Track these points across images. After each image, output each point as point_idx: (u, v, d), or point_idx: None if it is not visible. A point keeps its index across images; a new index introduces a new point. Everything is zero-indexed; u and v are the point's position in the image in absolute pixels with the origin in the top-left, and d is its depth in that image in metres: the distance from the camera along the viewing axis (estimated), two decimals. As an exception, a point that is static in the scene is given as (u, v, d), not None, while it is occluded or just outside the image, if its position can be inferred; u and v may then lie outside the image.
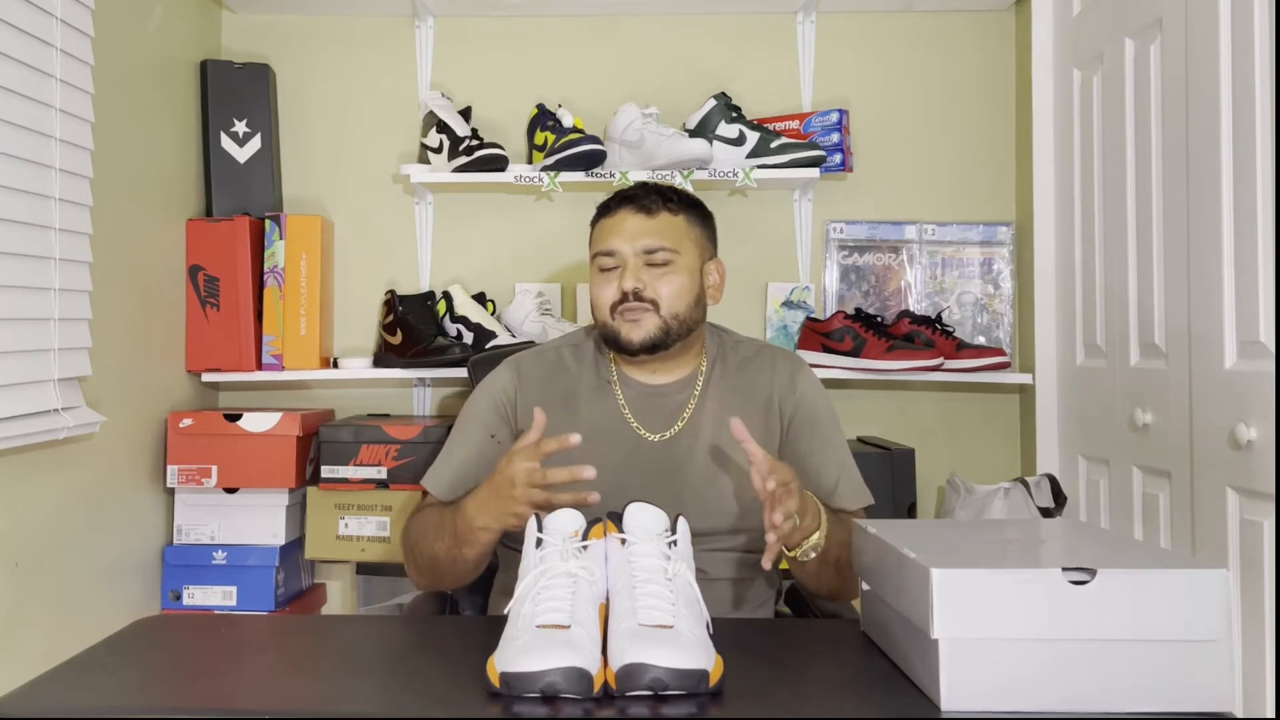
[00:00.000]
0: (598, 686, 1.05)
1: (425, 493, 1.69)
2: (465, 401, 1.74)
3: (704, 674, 1.04)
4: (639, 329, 1.60)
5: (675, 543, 1.19)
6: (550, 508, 1.32)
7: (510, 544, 1.66)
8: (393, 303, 2.44)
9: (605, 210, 1.68)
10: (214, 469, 2.27)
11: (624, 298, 1.60)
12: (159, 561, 2.30)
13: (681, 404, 1.66)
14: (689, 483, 1.61)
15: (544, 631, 1.08)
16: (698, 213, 1.69)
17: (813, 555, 1.39)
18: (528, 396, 1.67)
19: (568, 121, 2.43)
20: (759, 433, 1.65)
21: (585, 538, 1.19)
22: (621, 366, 1.69)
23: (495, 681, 1.06)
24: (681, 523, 1.22)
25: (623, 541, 1.18)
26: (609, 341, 1.65)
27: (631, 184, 1.73)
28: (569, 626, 1.08)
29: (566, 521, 1.20)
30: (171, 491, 2.32)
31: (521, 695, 1.04)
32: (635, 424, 1.65)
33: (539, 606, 1.11)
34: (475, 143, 2.41)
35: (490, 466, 1.62)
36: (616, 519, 1.21)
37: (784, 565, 1.50)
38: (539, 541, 1.19)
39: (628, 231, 1.62)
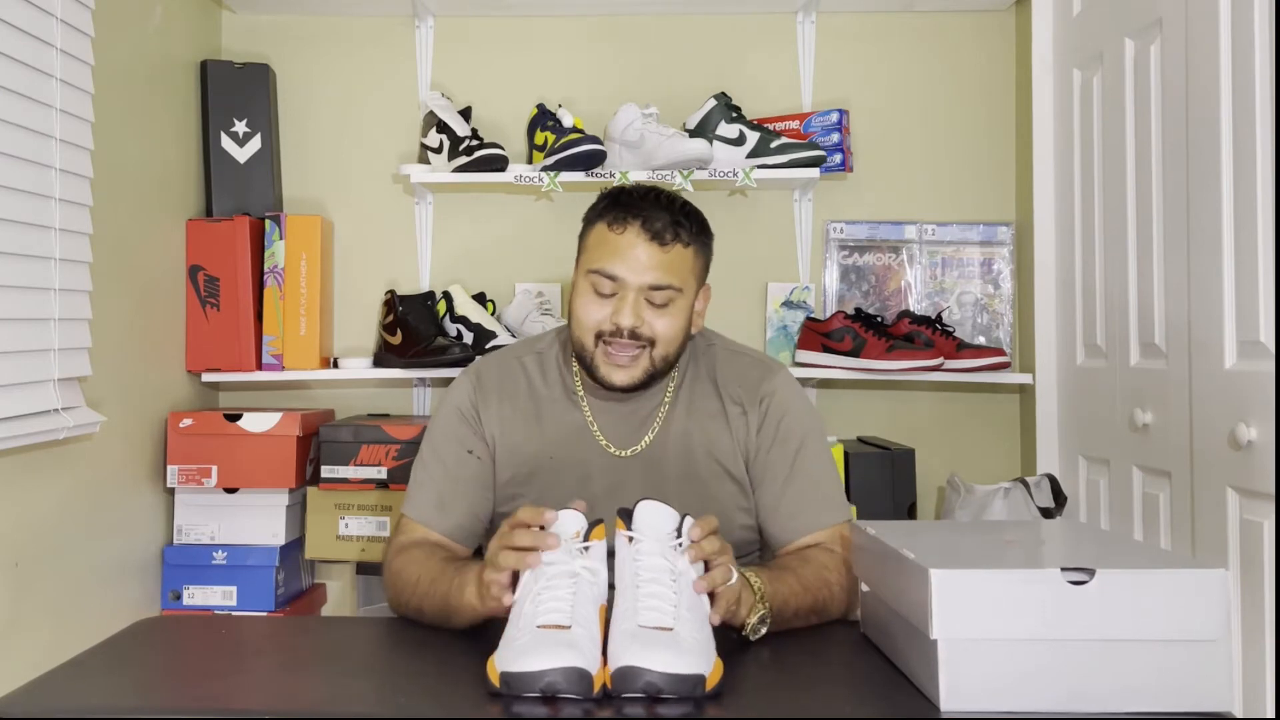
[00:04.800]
0: (598, 687, 1.05)
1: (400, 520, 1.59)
2: (429, 422, 1.65)
3: (700, 679, 1.04)
4: (624, 373, 1.51)
5: (682, 544, 1.18)
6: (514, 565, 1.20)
7: None
8: (393, 303, 2.44)
9: (612, 220, 1.51)
10: (214, 469, 2.27)
11: (616, 330, 1.49)
12: (159, 562, 2.30)
13: (651, 413, 1.59)
14: (662, 497, 1.54)
15: (544, 632, 1.08)
16: (703, 240, 1.56)
17: (764, 630, 1.27)
18: (489, 410, 1.60)
19: (568, 121, 2.43)
20: (723, 440, 1.59)
21: (587, 538, 1.19)
22: (586, 377, 1.59)
23: (495, 681, 1.06)
24: (688, 523, 1.21)
25: (630, 539, 1.18)
26: (583, 364, 1.55)
27: (634, 185, 1.58)
28: (569, 627, 1.08)
29: (569, 523, 1.20)
30: (171, 491, 2.32)
31: (521, 695, 1.04)
32: (603, 440, 1.58)
33: (540, 607, 1.11)
34: (475, 143, 2.41)
35: (472, 483, 1.57)
36: (626, 515, 1.20)
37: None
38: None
39: (637, 262, 1.48)
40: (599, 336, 1.51)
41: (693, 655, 1.05)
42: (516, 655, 1.05)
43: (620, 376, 1.52)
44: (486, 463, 1.60)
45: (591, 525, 1.20)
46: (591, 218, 1.57)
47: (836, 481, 1.60)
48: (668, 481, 1.57)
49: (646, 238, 1.49)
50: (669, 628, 1.08)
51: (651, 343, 1.51)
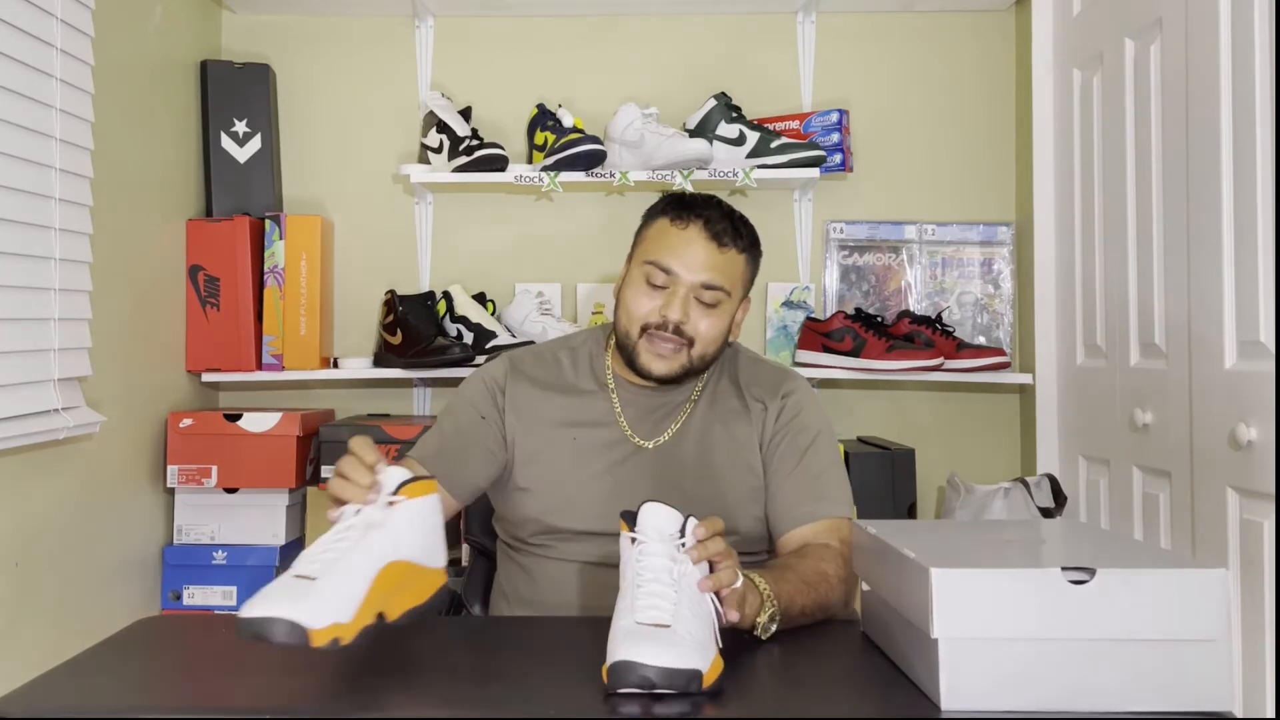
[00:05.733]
0: (322, 641, 1.03)
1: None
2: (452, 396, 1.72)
3: (695, 674, 1.04)
4: (664, 364, 1.57)
5: (685, 544, 1.18)
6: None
7: (510, 543, 1.66)
8: (393, 303, 2.44)
9: (675, 216, 1.58)
10: (214, 469, 2.27)
11: (663, 323, 1.55)
12: (159, 561, 2.30)
13: (676, 407, 1.64)
14: (679, 489, 1.58)
15: (290, 580, 1.07)
16: (755, 252, 1.63)
17: (774, 629, 1.28)
18: (518, 387, 1.65)
19: (568, 121, 2.43)
20: (743, 435, 1.62)
21: (397, 493, 1.16)
22: (619, 369, 1.66)
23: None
24: (692, 524, 1.21)
25: (633, 540, 1.18)
26: (624, 353, 1.61)
27: (698, 193, 1.63)
28: (315, 579, 1.07)
29: (389, 477, 1.18)
30: (171, 491, 2.32)
31: (253, 639, 1.03)
32: (629, 430, 1.62)
33: (303, 558, 1.10)
34: (475, 143, 2.41)
35: (475, 443, 1.62)
36: (630, 517, 1.21)
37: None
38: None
39: (695, 259, 1.55)
40: (644, 329, 1.57)
41: (689, 650, 1.05)
42: (254, 600, 1.04)
43: (660, 366, 1.57)
44: (495, 432, 1.63)
45: (408, 481, 1.17)
46: (653, 214, 1.63)
47: (842, 480, 1.62)
48: (686, 472, 1.61)
49: (706, 236, 1.56)
50: (666, 624, 1.08)
51: (691, 341, 1.56)
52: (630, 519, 1.20)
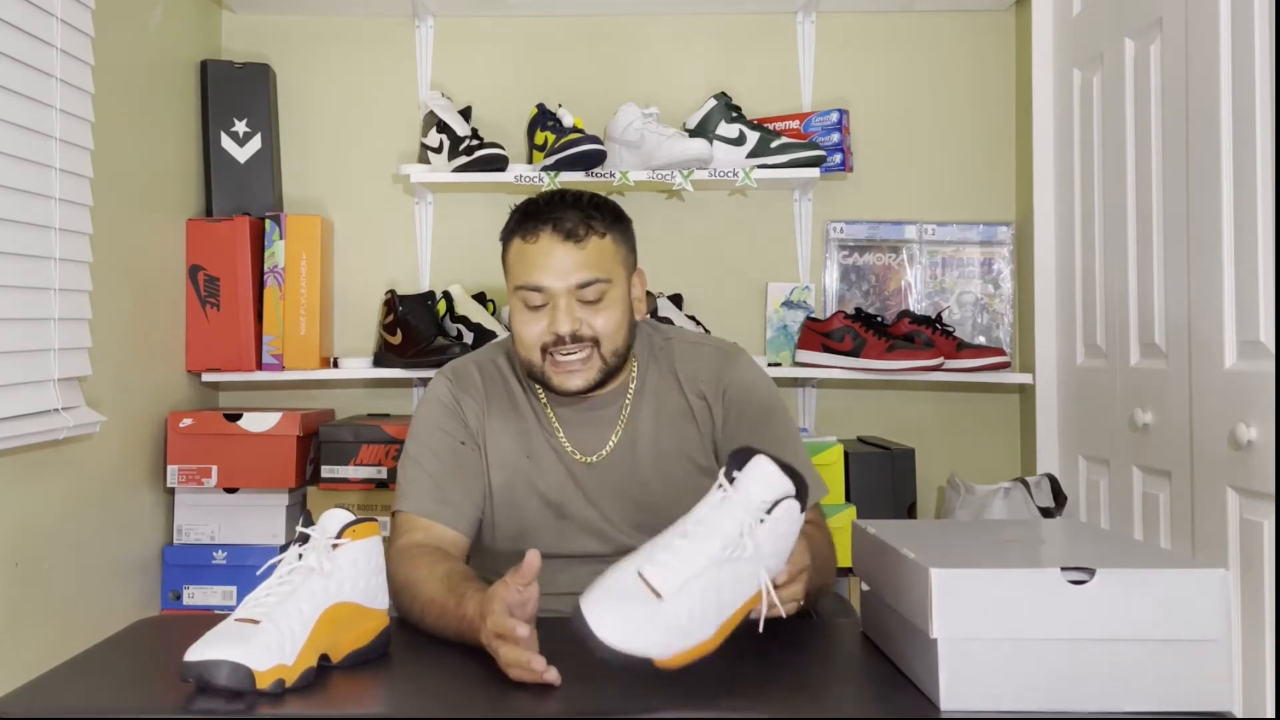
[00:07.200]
0: (266, 683, 1.05)
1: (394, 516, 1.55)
2: (410, 425, 1.61)
3: (645, 661, 1.01)
4: (578, 378, 1.49)
5: (765, 522, 1.05)
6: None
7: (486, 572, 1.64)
8: (393, 303, 2.44)
9: (524, 232, 1.50)
10: (214, 469, 2.27)
11: (558, 340, 1.47)
12: (159, 561, 2.30)
13: (614, 415, 1.57)
14: (632, 500, 1.54)
15: (233, 625, 1.09)
16: (621, 226, 1.54)
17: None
18: (468, 404, 1.58)
19: (568, 121, 2.43)
20: (690, 436, 1.57)
21: (340, 535, 1.17)
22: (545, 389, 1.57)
23: None
24: (788, 505, 1.07)
25: (720, 488, 1.07)
26: (535, 379, 1.54)
27: (541, 193, 1.56)
28: (259, 622, 1.08)
29: (332, 521, 1.19)
30: (171, 491, 2.32)
31: (197, 683, 1.05)
32: (570, 447, 1.56)
33: (249, 601, 1.12)
34: (475, 142, 2.41)
35: (467, 472, 1.55)
36: (740, 460, 1.06)
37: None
38: (303, 537, 1.18)
39: (557, 267, 1.46)
40: (544, 350, 1.49)
41: (651, 635, 1.00)
42: (197, 645, 1.06)
43: (575, 381, 1.50)
44: (478, 453, 1.57)
45: (351, 523, 1.18)
46: (506, 235, 1.55)
47: (806, 454, 1.58)
48: (635, 482, 1.55)
49: (560, 239, 1.48)
50: (659, 594, 1.02)
51: (595, 341, 1.49)
52: (740, 460, 1.07)
